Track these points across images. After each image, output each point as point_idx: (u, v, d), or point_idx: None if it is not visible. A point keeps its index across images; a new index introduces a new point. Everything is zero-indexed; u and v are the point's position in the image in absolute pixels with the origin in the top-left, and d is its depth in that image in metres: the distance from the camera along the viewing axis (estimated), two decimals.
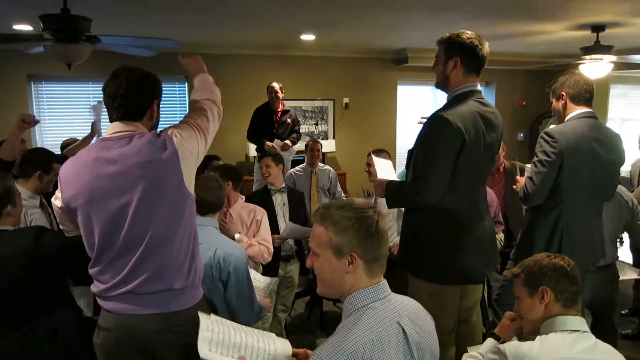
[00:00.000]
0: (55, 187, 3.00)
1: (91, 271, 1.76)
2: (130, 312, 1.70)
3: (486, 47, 2.20)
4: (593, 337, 1.55)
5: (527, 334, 1.69)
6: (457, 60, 2.18)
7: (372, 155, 2.72)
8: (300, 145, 5.87)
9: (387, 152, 3.88)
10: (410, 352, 1.28)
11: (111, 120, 1.75)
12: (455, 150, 2.10)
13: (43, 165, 2.77)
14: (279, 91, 5.27)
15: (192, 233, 1.77)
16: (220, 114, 1.93)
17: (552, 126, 2.60)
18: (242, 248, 2.30)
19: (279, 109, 5.39)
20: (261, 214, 3.03)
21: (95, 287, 1.76)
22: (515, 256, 2.68)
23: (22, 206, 2.28)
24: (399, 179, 2.50)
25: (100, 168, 1.66)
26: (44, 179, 2.77)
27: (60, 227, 1.89)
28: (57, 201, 1.82)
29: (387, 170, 2.60)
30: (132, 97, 1.70)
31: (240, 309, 2.21)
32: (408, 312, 1.33)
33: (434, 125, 2.14)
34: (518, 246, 2.68)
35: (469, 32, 2.20)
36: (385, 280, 1.33)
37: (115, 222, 1.66)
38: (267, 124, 5.34)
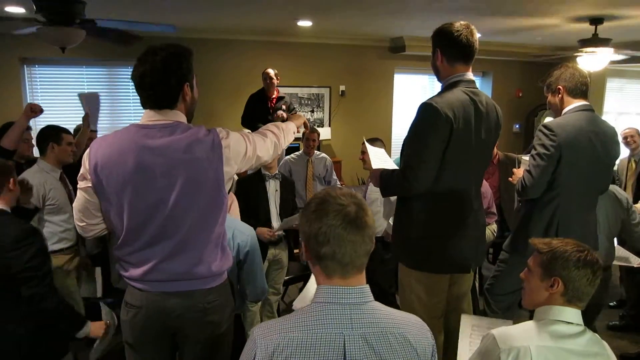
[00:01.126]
0: (75, 158, 3.14)
1: (117, 253, 1.75)
2: (162, 290, 1.71)
3: (469, 35, 2.16)
4: (586, 330, 1.55)
5: (524, 305, 1.69)
6: (438, 51, 2.21)
7: (366, 144, 2.71)
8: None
9: (382, 141, 3.88)
10: None
11: (144, 107, 1.68)
12: (443, 138, 2.10)
13: (53, 137, 2.98)
14: (274, 77, 5.26)
15: (223, 228, 1.77)
16: (277, 150, 1.92)
17: (549, 119, 2.59)
18: (252, 228, 2.37)
19: (273, 96, 5.38)
20: (230, 200, 3.04)
21: (124, 270, 1.75)
22: (509, 248, 2.70)
23: (17, 191, 2.27)
24: (394, 166, 2.51)
25: (143, 157, 1.60)
26: (56, 149, 2.98)
27: (80, 224, 1.75)
28: (84, 184, 1.70)
29: (381, 158, 2.60)
30: (158, 88, 1.62)
31: (250, 284, 2.34)
32: (370, 331, 1.16)
33: (422, 113, 2.14)
34: (513, 238, 2.68)
35: (456, 22, 2.19)
36: (351, 287, 1.18)
37: (149, 213, 1.64)
38: (262, 111, 5.32)
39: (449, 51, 2.18)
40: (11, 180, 2.20)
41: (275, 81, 5.27)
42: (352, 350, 1.14)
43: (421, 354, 1.20)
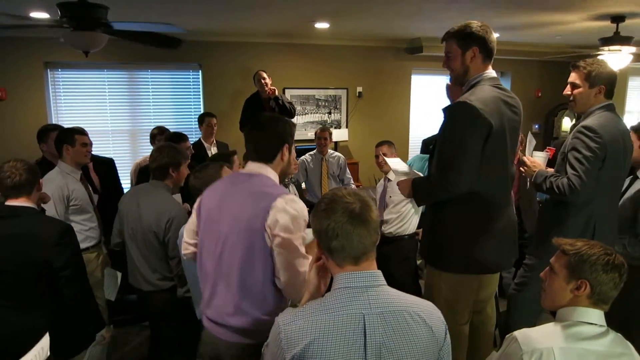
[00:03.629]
0: (92, 160, 3.42)
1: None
2: (214, 333, 1.83)
3: (494, 35, 2.22)
4: (609, 331, 1.53)
5: (543, 305, 1.66)
6: (475, 50, 2.19)
7: (384, 158, 2.72)
8: (312, 134, 5.90)
9: (392, 143, 3.89)
10: (365, 349, 1.20)
11: (245, 159, 1.93)
12: (483, 136, 2.08)
13: (66, 139, 3.05)
14: (267, 78, 5.32)
15: (271, 275, 1.75)
16: (300, 289, 1.71)
17: (589, 119, 2.45)
18: None
19: (267, 98, 5.42)
20: None
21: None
22: (538, 253, 2.61)
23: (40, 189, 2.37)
24: (410, 168, 2.51)
25: (223, 198, 1.82)
26: (70, 150, 3.04)
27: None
28: (194, 212, 1.99)
29: (401, 166, 2.59)
30: (261, 142, 1.87)
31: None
32: (387, 310, 1.24)
33: (460, 112, 2.11)
34: (542, 243, 2.57)
35: (474, 22, 2.20)
36: (364, 272, 1.28)
37: (214, 249, 1.79)
38: (258, 113, 5.37)
39: (485, 49, 2.19)
40: (40, 181, 2.31)
41: (268, 82, 5.33)
42: (372, 328, 1.22)
43: (436, 332, 1.28)
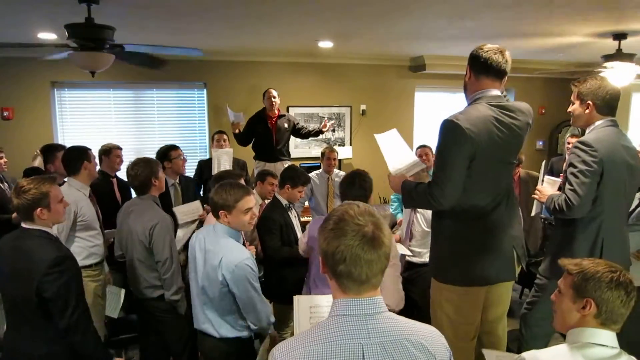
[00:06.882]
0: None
1: None
2: None
3: (497, 54, 2.21)
4: (622, 353, 1.50)
5: (555, 327, 1.64)
6: (468, 67, 2.28)
7: (377, 137, 2.70)
8: (317, 152, 5.92)
9: None
10: None
11: None
12: (467, 154, 2.11)
13: (85, 156, 3.15)
14: (277, 97, 5.40)
15: None
16: None
17: (586, 135, 2.49)
18: (246, 252, 2.27)
19: (275, 116, 5.47)
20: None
21: None
22: (548, 273, 2.61)
23: (62, 210, 2.28)
24: (410, 155, 2.52)
25: None
26: (88, 167, 3.15)
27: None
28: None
29: (396, 152, 2.56)
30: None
31: (250, 314, 2.31)
32: (387, 339, 1.18)
33: (444, 130, 2.17)
34: (553, 262, 2.57)
35: (487, 44, 2.26)
36: (365, 299, 1.20)
37: None
38: (264, 131, 5.40)
39: (476, 67, 2.24)
40: (62, 198, 2.26)
41: (278, 101, 5.40)
42: (371, 359, 1.15)
43: (440, 359, 1.21)
